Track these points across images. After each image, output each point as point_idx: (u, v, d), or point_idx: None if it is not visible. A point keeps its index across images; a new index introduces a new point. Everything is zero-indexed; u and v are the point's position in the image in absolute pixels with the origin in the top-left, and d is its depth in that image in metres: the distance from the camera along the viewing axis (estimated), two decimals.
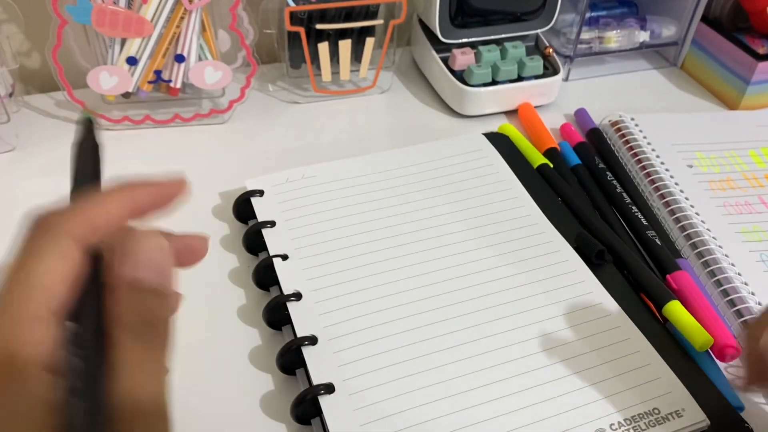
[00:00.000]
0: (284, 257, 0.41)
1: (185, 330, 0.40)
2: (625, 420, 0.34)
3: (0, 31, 0.55)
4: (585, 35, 0.62)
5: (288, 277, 0.40)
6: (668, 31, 0.63)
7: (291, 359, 0.36)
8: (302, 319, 0.37)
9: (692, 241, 0.45)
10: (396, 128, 0.57)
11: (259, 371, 0.38)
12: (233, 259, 0.44)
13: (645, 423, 0.34)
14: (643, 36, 0.62)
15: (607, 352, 0.37)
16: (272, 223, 0.43)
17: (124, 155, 0.51)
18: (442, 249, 0.42)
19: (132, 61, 0.51)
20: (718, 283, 0.42)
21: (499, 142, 0.52)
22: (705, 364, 0.37)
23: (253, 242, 0.43)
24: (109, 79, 0.51)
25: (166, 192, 0.22)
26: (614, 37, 0.62)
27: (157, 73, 0.52)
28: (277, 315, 0.38)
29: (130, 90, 0.52)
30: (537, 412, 0.34)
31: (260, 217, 0.43)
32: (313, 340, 0.36)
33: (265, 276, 0.41)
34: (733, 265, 0.43)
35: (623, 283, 0.42)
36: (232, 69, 0.53)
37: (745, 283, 0.42)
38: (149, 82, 0.53)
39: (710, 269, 0.43)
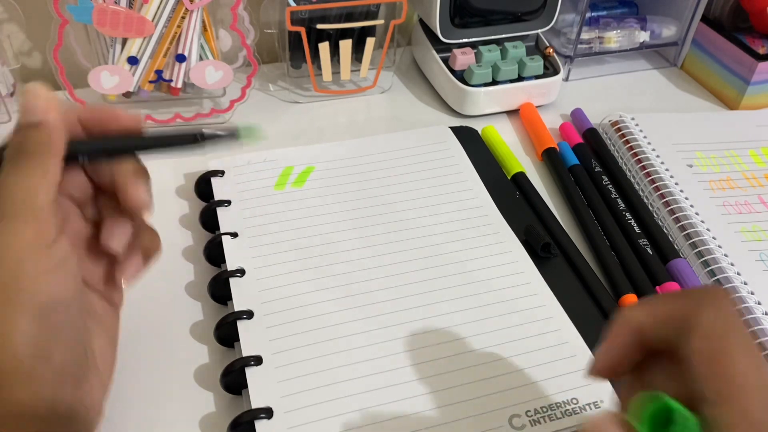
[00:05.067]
0: (234, 235, 0.42)
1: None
2: (542, 408, 0.34)
3: (1, 30, 0.55)
4: (585, 35, 0.62)
5: (234, 254, 0.41)
6: (668, 31, 0.64)
7: (227, 332, 0.38)
8: (242, 294, 0.39)
9: (692, 240, 0.45)
10: (396, 128, 0.57)
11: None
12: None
13: (561, 412, 0.34)
14: (643, 36, 0.63)
15: (535, 341, 0.37)
16: (228, 203, 0.45)
17: None
18: (389, 235, 0.43)
19: (133, 60, 0.51)
20: (718, 283, 0.42)
21: (465, 135, 0.52)
22: None
23: (209, 220, 0.44)
24: (110, 79, 0.51)
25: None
26: (614, 37, 0.62)
27: (158, 72, 0.52)
28: (220, 290, 0.40)
29: (131, 90, 0.52)
30: (455, 395, 0.35)
31: (217, 196, 0.45)
32: (249, 314, 0.38)
33: (215, 252, 0.42)
34: (732, 264, 0.43)
35: (571, 277, 0.42)
36: (233, 69, 0.53)
37: (745, 283, 0.42)
38: (150, 82, 0.53)
39: (710, 269, 0.43)
